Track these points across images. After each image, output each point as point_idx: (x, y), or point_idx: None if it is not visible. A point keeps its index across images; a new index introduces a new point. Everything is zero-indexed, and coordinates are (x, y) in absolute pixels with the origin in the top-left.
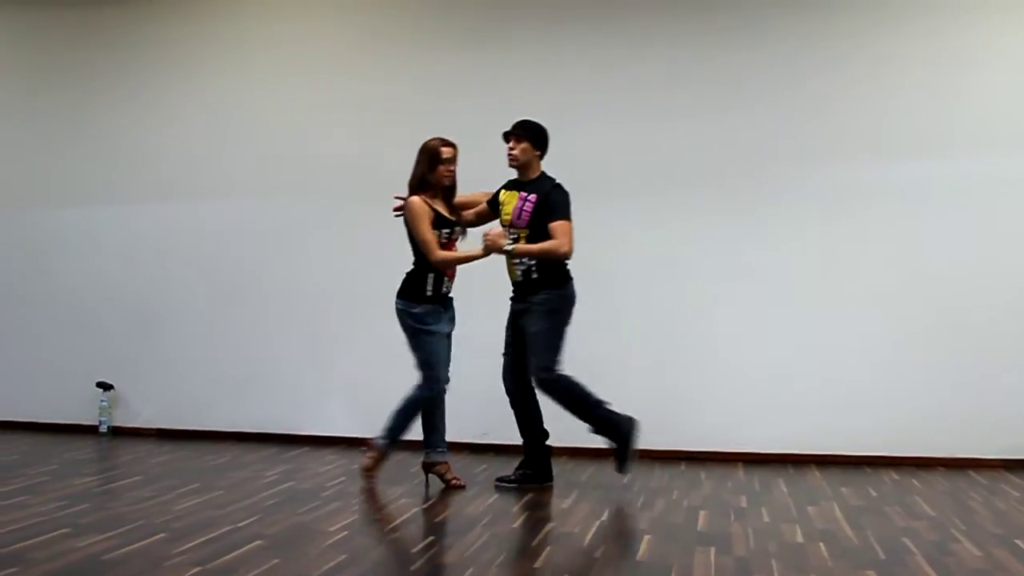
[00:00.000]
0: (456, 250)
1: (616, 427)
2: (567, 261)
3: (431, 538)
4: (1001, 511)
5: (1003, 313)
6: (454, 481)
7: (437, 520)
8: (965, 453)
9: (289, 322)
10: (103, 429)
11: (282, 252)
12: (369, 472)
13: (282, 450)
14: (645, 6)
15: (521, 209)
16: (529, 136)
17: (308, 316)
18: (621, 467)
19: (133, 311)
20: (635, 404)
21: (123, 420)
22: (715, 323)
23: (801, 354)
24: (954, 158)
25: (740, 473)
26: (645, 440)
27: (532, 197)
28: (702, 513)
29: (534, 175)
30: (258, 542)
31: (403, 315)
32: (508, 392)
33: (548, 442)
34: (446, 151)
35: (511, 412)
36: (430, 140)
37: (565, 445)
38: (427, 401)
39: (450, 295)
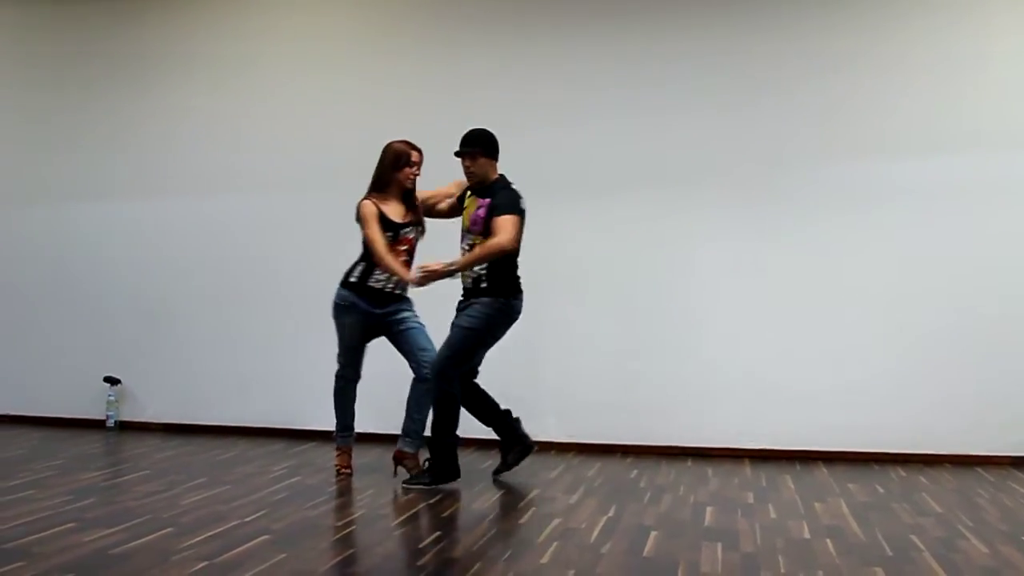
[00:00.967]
0: (414, 248)
1: (440, 466)
2: (517, 270)
3: (438, 533)
4: (1009, 508)
5: (1012, 311)
6: (342, 470)
7: (444, 515)
8: (973, 450)
9: (296, 317)
10: (110, 424)
11: (290, 248)
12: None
13: (289, 445)
14: (656, 2)
15: (476, 215)
16: (482, 149)
17: (316, 311)
18: (413, 481)
19: (141, 306)
20: (642, 400)
21: (131, 415)
22: (724, 320)
23: (808, 351)
24: (963, 157)
25: (747, 469)
26: (653, 436)
27: (486, 202)
28: (709, 509)
29: (491, 180)
30: (265, 537)
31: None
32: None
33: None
34: (414, 155)
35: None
36: (396, 142)
37: (575, 441)
38: (336, 382)
39: (399, 293)
